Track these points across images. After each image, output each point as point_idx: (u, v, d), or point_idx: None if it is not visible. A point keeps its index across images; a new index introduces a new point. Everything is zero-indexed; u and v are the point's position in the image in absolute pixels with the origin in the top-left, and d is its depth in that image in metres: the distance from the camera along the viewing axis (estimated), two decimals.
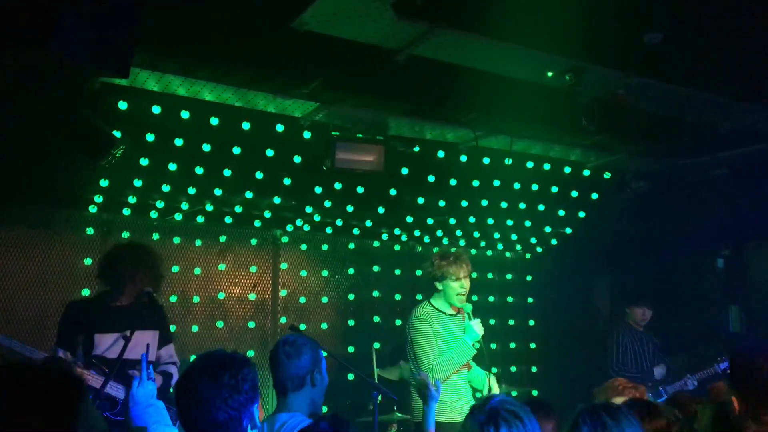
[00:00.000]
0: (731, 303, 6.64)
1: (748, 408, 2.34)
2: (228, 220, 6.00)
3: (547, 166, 6.45)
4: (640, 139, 5.91)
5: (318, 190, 5.81)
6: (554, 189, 6.59)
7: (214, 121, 5.12)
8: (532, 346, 7.68)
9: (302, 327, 6.01)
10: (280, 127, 5.35)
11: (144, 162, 5.07)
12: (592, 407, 2.49)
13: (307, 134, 5.45)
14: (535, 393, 7.27)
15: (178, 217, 5.79)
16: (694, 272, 6.97)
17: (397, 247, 7.04)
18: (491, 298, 7.46)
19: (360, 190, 5.96)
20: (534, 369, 7.63)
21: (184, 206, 5.64)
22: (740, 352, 2.47)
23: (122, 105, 4.79)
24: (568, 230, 7.21)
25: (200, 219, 5.91)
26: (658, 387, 6.15)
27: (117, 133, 4.62)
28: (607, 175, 6.69)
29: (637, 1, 3.74)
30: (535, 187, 6.51)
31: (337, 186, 5.84)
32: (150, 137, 5.01)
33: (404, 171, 5.99)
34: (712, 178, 6.59)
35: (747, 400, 2.38)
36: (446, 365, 4.74)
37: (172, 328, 5.71)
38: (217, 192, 5.46)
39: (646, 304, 6.47)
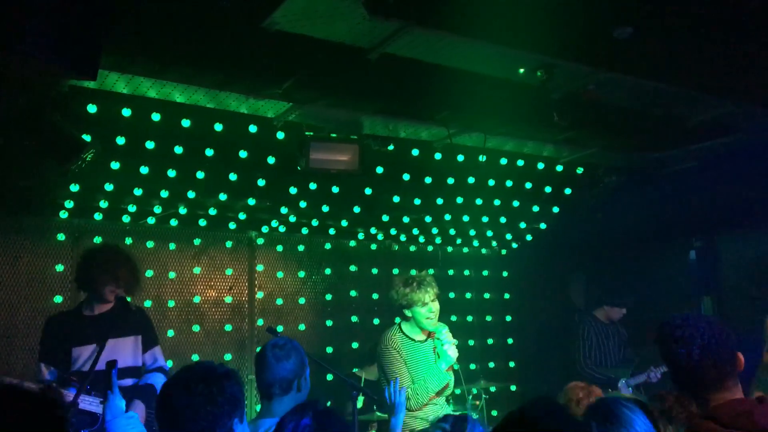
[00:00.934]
0: (704, 294, 6.74)
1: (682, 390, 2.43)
2: (202, 222, 5.95)
3: (520, 163, 6.49)
4: (611, 133, 5.97)
5: (293, 190, 5.78)
6: (528, 185, 6.64)
7: (185, 123, 5.07)
8: (510, 341, 7.73)
9: (280, 329, 6.00)
10: (253, 128, 5.31)
11: (115, 166, 5.00)
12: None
13: (280, 135, 5.41)
14: (513, 388, 7.33)
15: (150, 220, 5.73)
16: (667, 264, 7.06)
17: (373, 246, 7.04)
18: (468, 295, 7.49)
19: (335, 189, 5.94)
20: (512, 364, 7.68)
21: (157, 210, 5.58)
22: (663, 331, 2.51)
23: (91, 108, 4.72)
24: (543, 225, 7.27)
25: (174, 222, 5.85)
26: (621, 380, 6.18)
27: (87, 137, 4.55)
28: (579, 170, 6.76)
29: None
30: (509, 183, 6.55)
31: (312, 186, 5.81)
32: (120, 140, 4.94)
33: (379, 170, 5.99)
34: (682, 171, 6.68)
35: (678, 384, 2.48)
36: (421, 393, 4.66)
37: None
38: (191, 194, 5.41)
39: (627, 305, 6.50)
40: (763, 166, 6.08)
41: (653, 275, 7.04)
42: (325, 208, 6.08)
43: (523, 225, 7.19)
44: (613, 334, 6.49)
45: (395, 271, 7.01)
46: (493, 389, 6.54)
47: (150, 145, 5.04)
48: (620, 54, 4.37)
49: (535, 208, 6.90)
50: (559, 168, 6.67)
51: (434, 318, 4.86)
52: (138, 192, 5.24)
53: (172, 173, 5.22)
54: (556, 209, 7.00)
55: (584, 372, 6.21)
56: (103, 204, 5.33)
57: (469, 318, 7.26)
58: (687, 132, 5.83)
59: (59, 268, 5.45)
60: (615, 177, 6.76)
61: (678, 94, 5.04)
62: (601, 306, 6.60)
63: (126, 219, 5.63)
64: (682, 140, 6.10)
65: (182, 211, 5.63)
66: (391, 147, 5.83)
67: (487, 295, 7.69)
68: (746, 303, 6.35)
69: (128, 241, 5.70)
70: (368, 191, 6.06)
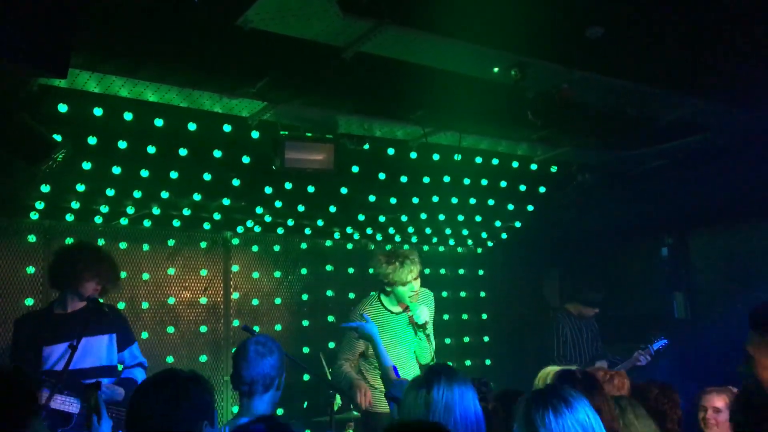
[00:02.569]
0: (675, 290, 6.83)
1: None
2: (176, 223, 5.89)
3: (495, 161, 6.53)
4: (584, 132, 6.03)
5: (268, 190, 5.75)
6: (503, 183, 6.68)
7: (158, 122, 5.02)
8: (486, 339, 7.77)
9: (256, 329, 5.97)
10: (227, 128, 5.27)
11: (86, 166, 4.94)
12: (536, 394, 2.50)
13: (255, 134, 5.38)
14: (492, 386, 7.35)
15: (123, 221, 5.66)
16: (640, 261, 7.15)
17: (349, 246, 7.03)
18: (444, 294, 7.50)
19: (311, 189, 5.92)
20: (488, 362, 7.72)
21: (130, 210, 5.51)
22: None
23: (62, 107, 4.65)
24: (518, 224, 7.32)
25: (147, 223, 5.79)
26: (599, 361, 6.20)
27: (57, 137, 4.48)
28: (553, 169, 6.81)
29: None
30: (484, 182, 6.58)
31: (288, 186, 5.79)
32: (92, 140, 4.87)
33: (355, 169, 5.98)
34: (654, 169, 6.78)
35: None
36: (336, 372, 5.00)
37: None
38: (164, 195, 5.36)
39: (598, 304, 6.53)
40: (732, 164, 6.19)
41: (626, 272, 7.14)
42: (301, 208, 6.06)
43: (498, 223, 7.24)
44: (586, 329, 6.50)
45: (371, 270, 6.99)
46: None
47: (122, 144, 4.98)
48: (592, 53, 4.42)
49: (510, 207, 6.94)
50: (534, 166, 6.72)
51: (416, 294, 4.94)
52: (110, 192, 5.17)
53: (145, 173, 5.16)
54: (530, 208, 7.05)
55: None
56: (75, 205, 5.25)
57: (446, 316, 7.27)
58: (659, 131, 5.91)
59: (30, 270, 5.37)
60: (588, 175, 6.82)
61: (649, 93, 5.11)
62: (573, 301, 6.62)
63: (98, 220, 5.56)
64: (653, 139, 6.18)
65: (156, 211, 5.57)
66: (366, 146, 5.82)
67: (463, 294, 7.71)
68: (717, 299, 6.47)
69: (101, 242, 5.62)
70: (344, 190, 6.05)
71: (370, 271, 6.83)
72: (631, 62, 4.64)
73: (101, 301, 4.38)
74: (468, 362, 7.57)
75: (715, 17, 4.12)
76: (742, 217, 6.30)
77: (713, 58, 4.57)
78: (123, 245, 5.82)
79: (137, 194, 5.27)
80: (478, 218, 6.98)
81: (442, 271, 7.63)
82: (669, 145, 6.30)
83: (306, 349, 6.51)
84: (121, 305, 5.66)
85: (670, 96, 5.20)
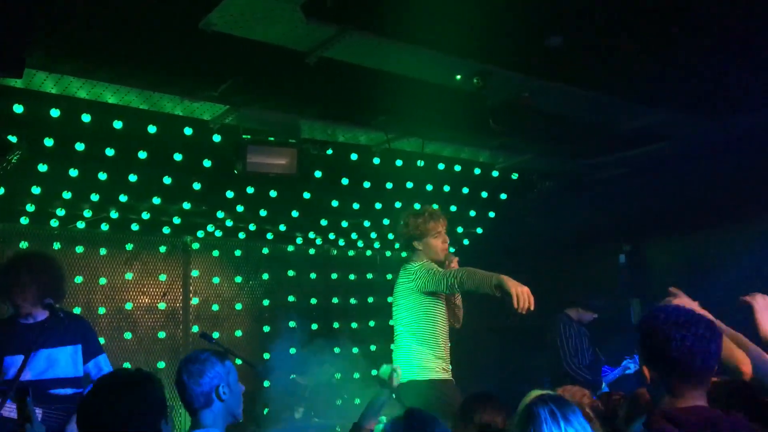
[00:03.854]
0: (633, 296, 6.96)
1: (662, 378, 2.31)
2: (135, 227, 5.79)
3: (457, 168, 6.58)
4: (545, 140, 6.12)
5: (230, 194, 5.70)
6: (465, 190, 6.73)
7: (117, 124, 4.94)
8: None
9: (215, 335, 5.89)
10: (188, 131, 5.21)
11: (43, 168, 4.84)
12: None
13: (217, 137, 5.34)
14: None
15: (80, 225, 5.54)
16: (598, 268, 7.26)
17: (312, 251, 7.00)
18: None
19: (273, 193, 5.89)
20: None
21: (87, 214, 5.40)
22: (647, 324, 2.36)
23: (18, 108, 4.55)
24: (480, 230, 7.38)
25: (104, 227, 5.68)
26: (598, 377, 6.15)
27: (12, 138, 4.40)
28: (514, 176, 6.89)
29: (539, 5, 3.86)
30: (446, 188, 6.62)
31: (250, 190, 5.75)
32: (49, 142, 4.79)
33: (318, 174, 5.97)
34: (613, 177, 6.90)
35: (659, 371, 2.33)
36: (474, 272, 4.17)
37: None
38: (123, 198, 5.28)
39: (598, 309, 6.35)
40: (689, 172, 6.35)
41: (584, 278, 7.24)
42: (263, 213, 6.02)
43: (460, 230, 7.29)
44: (584, 334, 6.32)
45: (334, 276, 6.99)
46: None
47: (80, 146, 4.90)
48: (552, 62, 4.49)
49: (472, 213, 7.00)
50: (495, 173, 6.79)
51: (447, 248, 4.64)
52: (67, 195, 5.08)
53: (103, 176, 5.09)
54: (492, 214, 7.12)
55: (576, 374, 5.99)
56: (30, 208, 5.13)
57: None
58: (617, 139, 6.04)
59: None
60: (549, 183, 6.93)
61: (608, 102, 5.21)
62: (574, 306, 6.42)
63: (54, 223, 5.43)
64: (612, 147, 6.30)
65: (113, 215, 5.47)
66: (329, 151, 5.82)
67: None
68: None
69: (56, 246, 5.50)
70: (307, 195, 6.03)
71: (333, 276, 6.84)
72: (590, 71, 4.73)
73: (57, 308, 4.26)
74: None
75: (673, 28, 4.22)
76: (698, 224, 6.45)
77: (671, 68, 4.68)
78: (79, 249, 5.70)
79: (95, 197, 5.17)
80: None
81: None
82: (628, 153, 6.43)
83: (266, 355, 6.45)
84: (76, 310, 5.54)
85: (629, 105, 5.31)
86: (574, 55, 4.41)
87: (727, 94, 5.13)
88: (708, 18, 4.09)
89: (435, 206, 4.67)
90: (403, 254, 7.60)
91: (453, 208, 6.82)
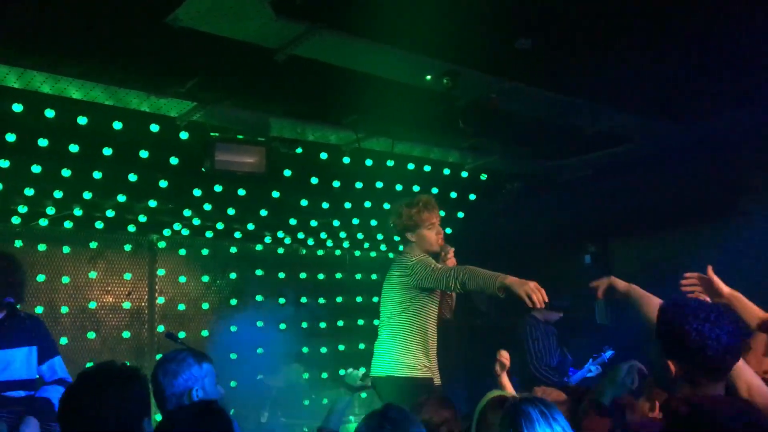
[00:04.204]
0: (597, 297, 7.03)
1: (684, 371, 2.32)
2: (99, 225, 5.69)
3: (427, 168, 6.60)
4: (513, 141, 6.17)
5: (197, 192, 5.64)
6: (435, 190, 6.72)
7: (82, 120, 4.86)
8: None
9: (182, 335, 5.82)
10: (154, 127, 5.15)
11: (4, 164, 4.74)
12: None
13: (184, 135, 5.27)
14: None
15: (43, 222, 5.43)
16: (564, 268, 7.34)
17: (280, 250, 6.95)
18: (375, 299, 7.49)
19: (241, 192, 5.84)
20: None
21: (50, 211, 5.30)
22: (668, 318, 2.37)
23: None
24: (449, 230, 7.39)
25: (68, 224, 5.57)
26: (563, 378, 6.20)
27: None
28: (483, 177, 6.94)
29: (509, 8, 3.89)
30: (416, 188, 6.61)
31: (218, 188, 5.70)
32: (11, 137, 4.68)
33: (287, 173, 5.94)
34: (579, 178, 6.99)
35: (681, 363, 2.34)
36: (476, 271, 4.09)
37: None
38: (87, 195, 5.18)
39: (564, 308, 6.40)
40: (652, 174, 6.46)
41: (550, 279, 7.29)
42: (231, 211, 5.97)
43: None
44: (551, 334, 6.36)
45: (302, 275, 6.96)
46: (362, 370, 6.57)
47: (43, 142, 4.81)
48: (521, 64, 4.54)
49: (442, 213, 6.96)
50: (464, 174, 6.83)
51: (442, 239, 4.54)
52: (29, 192, 4.98)
53: (66, 173, 5.00)
54: (461, 214, 7.15)
55: (541, 375, 6.05)
56: None
57: (376, 321, 7.27)
58: (584, 141, 6.12)
59: None
60: (517, 183, 6.99)
61: (575, 104, 5.28)
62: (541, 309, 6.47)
63: (16, 220, 5.31)
64: (579, 149, 6.39)
65: (77, 212, 5.38)
66: (299, 150, 5.79)
67: None
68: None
69: (18, 243, 5.38)
70: (276, 194, 5.99)
71: (302, 275, 6.81)
72: (558, 74, 4.79)
73: (17, 307, 4.15)
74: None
75: (639, 33, 4.29)
76: (661, 225, 6.57)
77: (638, 73, 4.76)
78: (42, 247, 5.58)
79: (58, 194, 5.08)
80: None
81: (374, 276, 7.63)
82: (594, 155, 6.53)
83: (233, 356, 6.39)
84: (38, 309, 5.44)
85: (595, 108, 5.39)
86: (542, 58, 4.46)
87: (688, 98, 5.24)
88: (671, 24, 4.17)
89: (434, 190, 4.43)
90: (372, 254, 7.64)
91: (397, 238, 6.83)
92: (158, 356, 5.95)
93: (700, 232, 6.31)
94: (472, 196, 6.99)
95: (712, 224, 6.18)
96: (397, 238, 4.69)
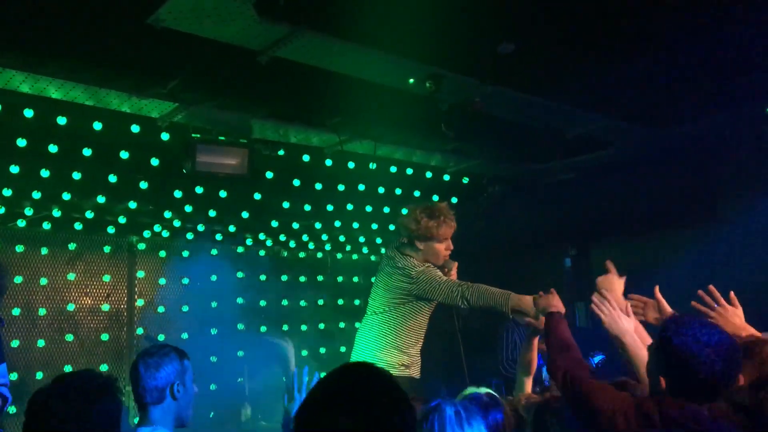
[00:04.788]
0: (577, 300, 7.10)
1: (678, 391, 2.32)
2: (78, 226, 5.63)
3: (409, 171, 6.61)
4: (495, 145, 6.20)
5: (178, 194, 5.60)
6: (417, 193, 6.77)
7: (61, 120, 4.82)
8: None
9: (161, 338, 5.78)
10: (135, 128, 5.11)
11: None
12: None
13: (165, 136, 5.24)
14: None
15: (21, 223, 5.36)
16: (544, 271, 7.39)
17: (262, 253, 6.92)
18: (357, 302, 7.51)
19: (223, 194, 5.81)
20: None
21: (28, 212, 5.23)
22: (680, 343, 2.32)
23: None
24: None
25: (46, 225, 5.50)
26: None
27: None
28: (465, 180, 6.96)
29: (491, 12, 3.91)
30: (398, 191, 6.65)
31: (199, 190, 5.66)
32: None
33: (269, 175, 5.92)
34: (560, 182, 7.04)
35: (681, 388, 2.32)
36: (487, 290, 4.06)
37: (15, 343, 5.29)
38: (66, 196, 5.13)
39: None
40: (632, 178, 6.53)
41: (531, 281, 7.33)
42: (212, 213, 5.93)
43: None
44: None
45: (284, 277, 6.93)
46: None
47: (21, 143, 4.77)
48: (503, 68, 4.56)
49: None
50: (447, 177, 6.85)
51: (448, 254, 4.40)
52: (7, 192, 4.91)
53: (45, 173, 4.95)
54: None
55: (507, 373, 6.08)
56: None
57: (358, 324, 7.27)
58: (565, 145, 6.16)
59: None
60: (499, 187, 7.02)
61: (557, 108, 5.32)
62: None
63: None
64: (560, 153, 6.43)
65: (56, 213, 5.31)
66: (281, 152, 5.78)
67: None
68: None
69: None
70: (257, 196, 5.97)
71: (283, 278, 6.78)
72: (539, 78, 4.82)
73: None
74: None
75: (619, 39, 4.34)
76: (641, 228, 6.63)
77: (618, 78, 4.81)
78: (20, 248, 5.51)
79: (36, 195, 5.02)
80: (391, 227, 7.03)
81: (356, 279, 7.64)
82: (575, 159, 6.57)
83: (214, 358, 6.36)
84: (15, 311, 5.37)
85: (575, 112, 5.43)
86: (524, 62, 4.49)
87: (667, 104, 5.31)
88: (650, 30, 4.22)
89: (416, 193, 4.31)
90: (354, 257, 7.64)
91: (404, 211, 6.83)
92: None
93: (679, 236, 6.39)
94: (454, 199, 7.00)
95: (690, 228, 6.26)
96: (398, 239, 4.58)
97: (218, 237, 6.45)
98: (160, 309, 6.24)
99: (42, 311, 5.60)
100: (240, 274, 6.70)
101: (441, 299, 4.20)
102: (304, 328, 6.93)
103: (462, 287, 4.10)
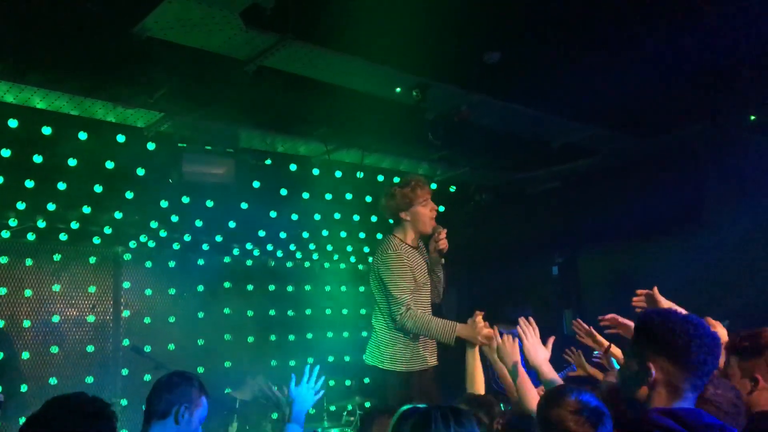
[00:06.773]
0: (565, 307, 7.12)
1: (671, 377, 2.26)
2: (63, 237, 5.58)
3: (397, 180, 6.59)
4: (482, 153, 6.22)
5: (164, 204, 5.57)
6: None
7: (46, 130, 4.79)
8: None
9: (147, 349, 5.73)
10: (121, 138, 5.09)
11: None
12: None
13: (151, 145, 5.22)
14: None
15: (5, 234, 5.30)
16: (532, 279, 7.41)
17: (249, 262, 6.88)
18: (345, 311, 7.50)
19: (209, 203, 5.78)
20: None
21: (13, 223, 5.19)
22: (659, 320, 2.30)
23: None
24: None
25: (31, 236, 5.45)
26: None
27: None
28: (452, 189, 6.97)
29: (477, 22, 3.94)
30: None
31: (185, 199, 5.63)
32: None
33: (256, 184, 5.90)
34: (547, 190, 7.08)
35: (675, 368, 2.26)
36: (427, 325, 4.17)
37: None
38: (51, 207, 5.09)
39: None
40: (618, 186, 6.57)
41: (519, 289, 7.36)
42: (199, 223, 5.90)
43: None
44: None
45: (271, 287, 6.90)
46: (368, 405, 6.56)
47: (5, 153, 4.73)
48: (489, 78, 4.59)
49: (433, 186, 7.02)
50: (434, 186, 6.83)
51: (435, 217, 4.49)
52: None
53: (30, 183, 4.91)
54: None
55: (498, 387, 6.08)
56: None
57: (346, 334, 7.26)
58: (552, 154, 6.20)
59: None
60: (486, 195, 7.03)
61: (543, 117, 5.35)
62: (499, 322, 6.47)
63: None
64: (547, 161, 6.46)
65: (41, 224, 5.27)
66: (268, 161, 5.77)
67: (363, 311, 7.72)
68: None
69: None
70: (244, 206, 5.94)
71: (271, 288, 6.75)
72: (525, 87, 4.86)
73: None
74: (366, 380, 7.54)
75: (605, 49, 4.38)
76: (627, 237, 6.66)
77: (603, 87, 4.85)
78: (4, 260, 5.45)
79: (21, 206, 4.98)
80: (379, 236, 7.02)
81: (343, 288, 7.62)
82: (562, 168, 6.61)
83: (201, 369, 6.30)
84: (0, 323, 5.31)
85: (561, 121, 5.47)
86: (510, 72, 4.51)
87: (652, 112, 5.35)
88: (635, 39, 4.26)
89: (441, 208, 4.45)
90: (342, 266, 7.62)
91: (392, 221, 6.84)
92: (124, 371, 5.84)
93: (665, 243, 6.42)
94: (441, 208, 6.97)
95: (676, 236, 6.29)
96: (391, 221, 4.64)
97: (205, 247, 6.41)
98: (147, 320, 6.18)
99: (26, 323, 5.53)
100: (227, 284, 6.65)
101: (383, 299, 4.35)
102: (291, 338, 6.90)
103: (401, 313, 4.23)
